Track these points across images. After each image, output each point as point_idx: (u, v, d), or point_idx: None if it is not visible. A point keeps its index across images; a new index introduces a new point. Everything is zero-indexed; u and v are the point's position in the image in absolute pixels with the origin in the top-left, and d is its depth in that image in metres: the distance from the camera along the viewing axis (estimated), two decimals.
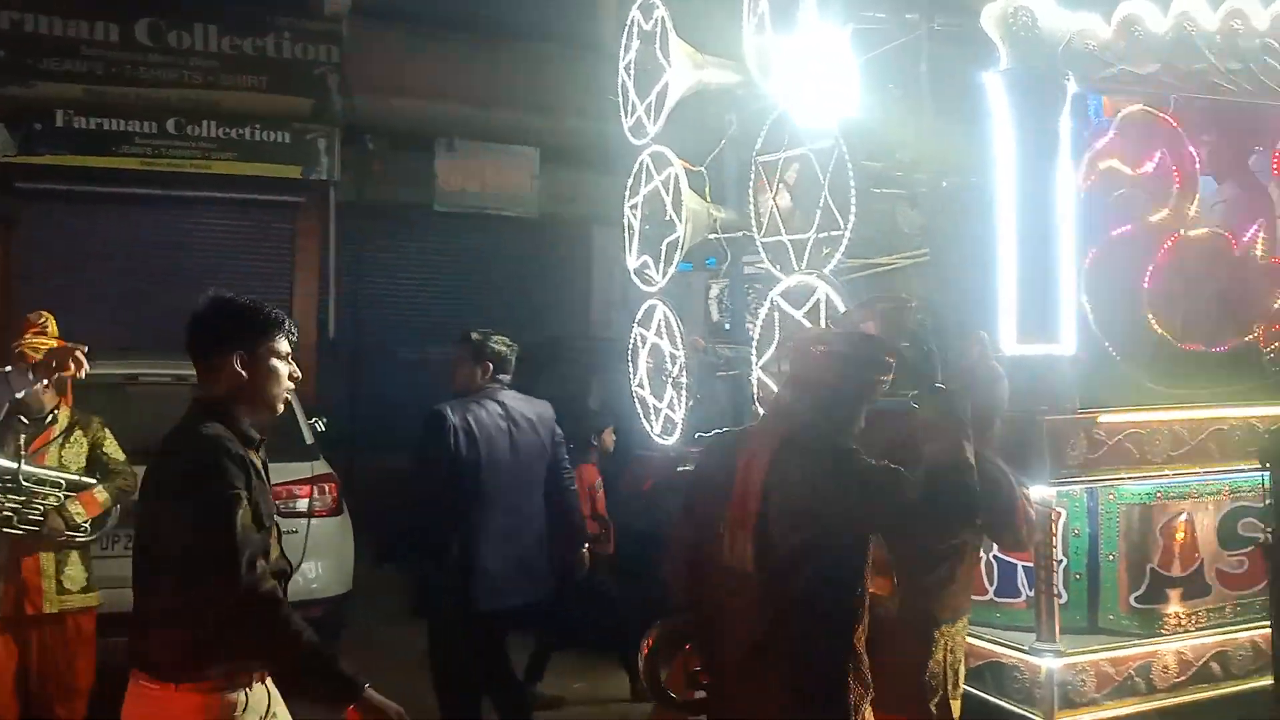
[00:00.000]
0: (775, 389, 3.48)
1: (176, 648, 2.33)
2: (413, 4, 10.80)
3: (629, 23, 4.94)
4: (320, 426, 6.38)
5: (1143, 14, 3.97)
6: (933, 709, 3.23)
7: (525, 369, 7.54)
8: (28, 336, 4.19)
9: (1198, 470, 3.97)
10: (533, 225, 11.17)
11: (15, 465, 3.97)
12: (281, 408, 2.56)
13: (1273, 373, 4.01)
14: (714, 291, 5.35)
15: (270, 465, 2.64)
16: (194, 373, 2.55)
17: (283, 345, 2.53)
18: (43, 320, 4.35)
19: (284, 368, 2.53)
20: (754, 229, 4.08)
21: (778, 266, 3.99)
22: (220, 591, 2.26)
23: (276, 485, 3.76)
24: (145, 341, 8.86)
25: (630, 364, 4.94)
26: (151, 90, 9.45)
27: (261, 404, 2.50)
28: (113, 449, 4.39)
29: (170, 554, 2.33)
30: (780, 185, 3.94)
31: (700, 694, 2.64)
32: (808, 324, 3.74)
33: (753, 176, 4.07)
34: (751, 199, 4.08)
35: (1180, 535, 4.11)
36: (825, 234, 3.74)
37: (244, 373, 2.45)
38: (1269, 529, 3.64)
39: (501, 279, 11.11)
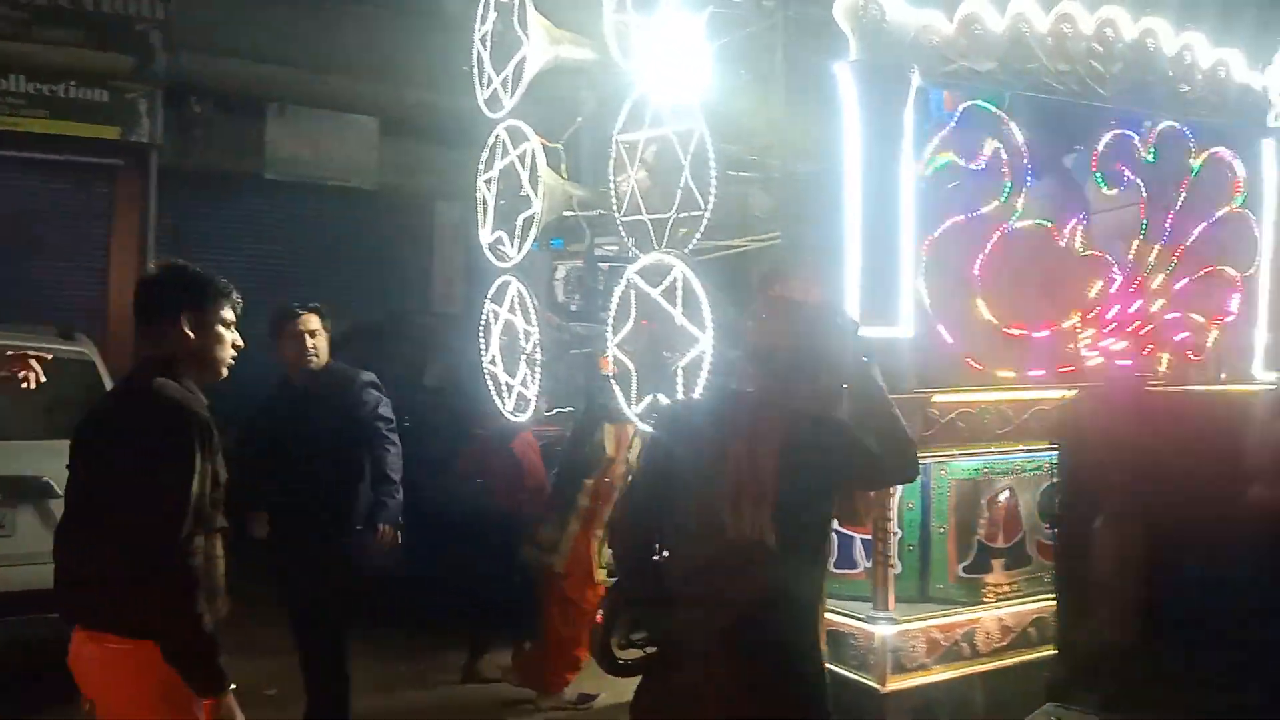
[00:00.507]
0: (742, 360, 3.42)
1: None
2: None
3: None
4: None
5: (982, 13, 4.18)
6: None
7: (362, 344, 7.38)
8: None
9: (1021, 448, 4.24)
10: (371, 197, 10.85)
11: None
12: (225, 372, 2.67)
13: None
14: (560, 272, 5.35)
15: None
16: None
17: (228, 313, 2.66)
18: None
19: (229, 334, 2.66)
20: (613, 207, 4.09)
21: (634, 244, 4.02)
22: (151, 555, 2.32)
23: None
24: None
25: (482, 340, 4.88)
26: None
27: (206, 366, 2.62)
28: None
29: (116, 507, 2.36)
30: (640, 164, 3.97)
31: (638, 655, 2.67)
32: (666, 303, 3.79)
33: (612, 155, 4.08)
34: (611, 177, 4.09)
35: (1004, 509, 4.39)
36: (685, 214, 3.79)
37: (191, 334, 2.57)
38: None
39: (337, 252, 10.74)
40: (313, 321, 4.17)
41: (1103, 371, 4.43)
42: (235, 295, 2.70)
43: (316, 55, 10.31)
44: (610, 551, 3.02)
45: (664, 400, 3.73)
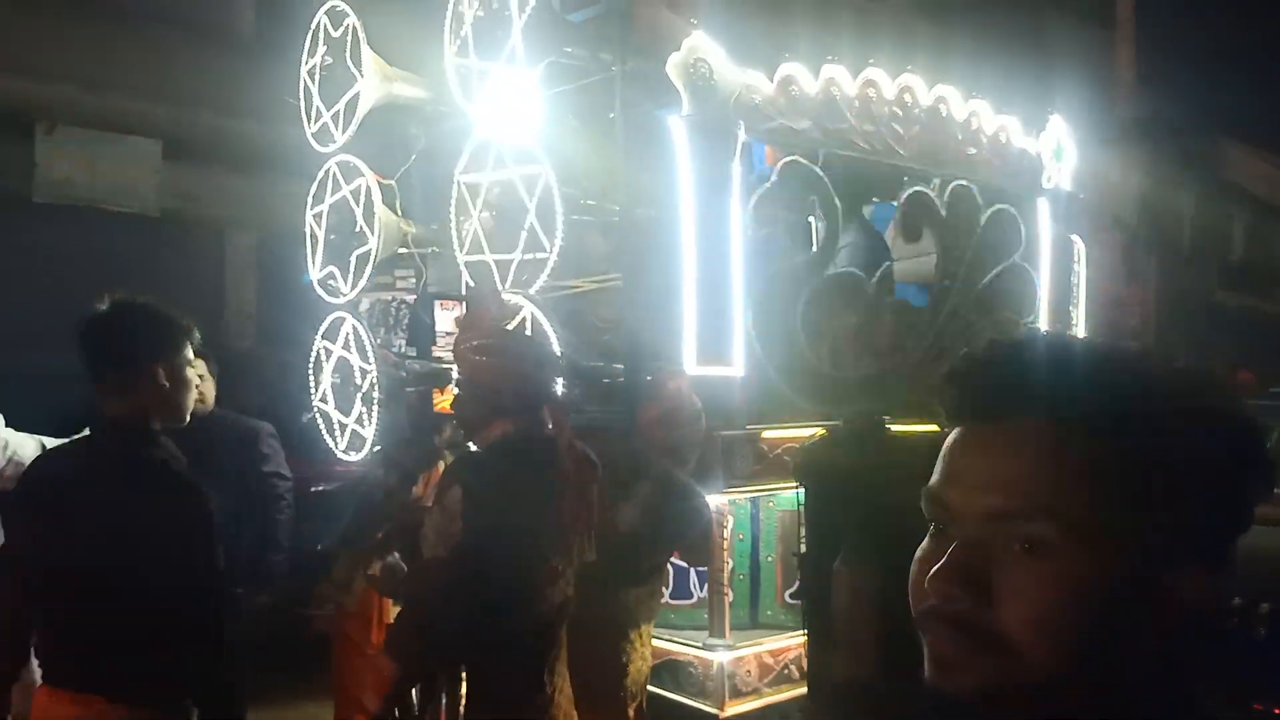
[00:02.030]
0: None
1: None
2: None
3: (314, 26, 4.76)
4: None
5: (798, 76, 4.51)
6: (631, 714, 3.47)
7: None
8: None
9: None
10: (153, 224, 10.23)
11: None
12: (187, 418, 2.48)
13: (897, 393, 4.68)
14: (364, 305, 5.23)
15: None
16: None
17: (190, 352, 2.48)
18: None
19: (194, 376, 2.48)
20: (455, 247, 4.12)
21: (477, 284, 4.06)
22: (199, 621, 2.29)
23: None
24: None
25: (312, 378, 4.75)
26: None
27: (173, 415, 2.42)
28: None
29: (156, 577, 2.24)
30: (484, 205, 4.02)
31: None
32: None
33: (454, 195, 4.11)
34: (453, 217, 4.11)
35: None
36: (529, 256, 3.87)
37: (166, 384, 2.37)
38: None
39: (118, 281, 10.01)
40: (200, 365, 3.88)
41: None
42: (195, 330, 2.52)
43: (91, 71, 9.67)
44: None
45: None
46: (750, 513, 4.53)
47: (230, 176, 10.59)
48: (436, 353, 4.39)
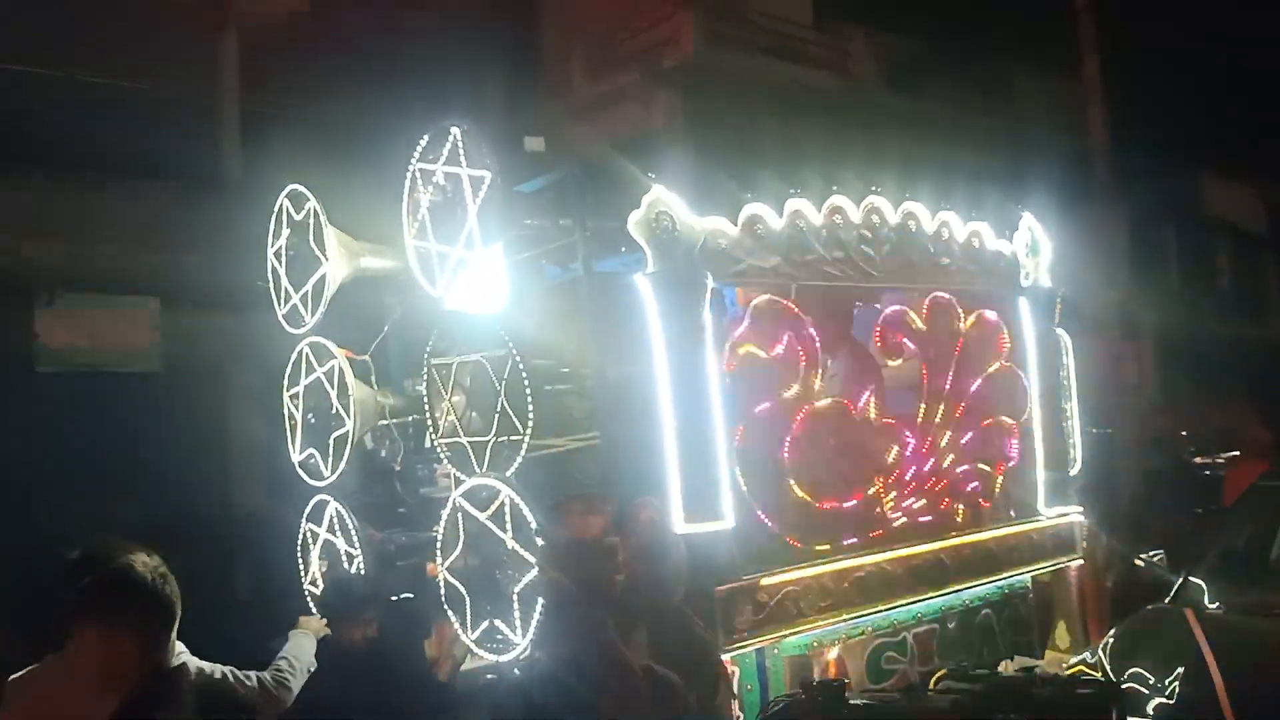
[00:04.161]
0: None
1: None
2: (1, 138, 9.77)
3: (277, 209, 4.82)
4: None
5: (763, 214, 4.49)
6: None
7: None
8: None
9: (845, 616, 4.44)
10: (156, 378, 10.32)
11: None
12: None
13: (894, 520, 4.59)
14: None
15: None
16: None
17: None
18: None
19: None
20: (430, 432, 4.09)
21: (457, 468, 4.03)
22: None
23: None
24: None
25: (300, 561, 4.71)
26: None
27: None
28: None
29: None
30: (455, 387, 4.00)
31: None
32: (495, 527, 3.80)
33: (425, 377, 4.09)
34: (426, 402, 4.10)
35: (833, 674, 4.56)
36: (504, 437, 3.83)
37: None
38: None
39: (122, 440, 10.12)
40: None
41: None
42: None
43: (83, 231, 9.83)
44: None
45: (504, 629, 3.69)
46: (757, 663, 4.42)
47: (229, 317, 10.67)
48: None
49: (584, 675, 2.72)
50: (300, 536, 4.70)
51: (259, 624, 5.06)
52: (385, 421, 4.72)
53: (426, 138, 4.07)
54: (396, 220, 4.53)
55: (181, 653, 2.67)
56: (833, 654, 4.54)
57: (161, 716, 2.49)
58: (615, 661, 2.72)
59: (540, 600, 3.17)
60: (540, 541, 3.17)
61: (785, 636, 4.32)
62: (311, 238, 4.58)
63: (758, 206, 4.48)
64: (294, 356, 4.72)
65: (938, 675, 3.99)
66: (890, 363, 4.91)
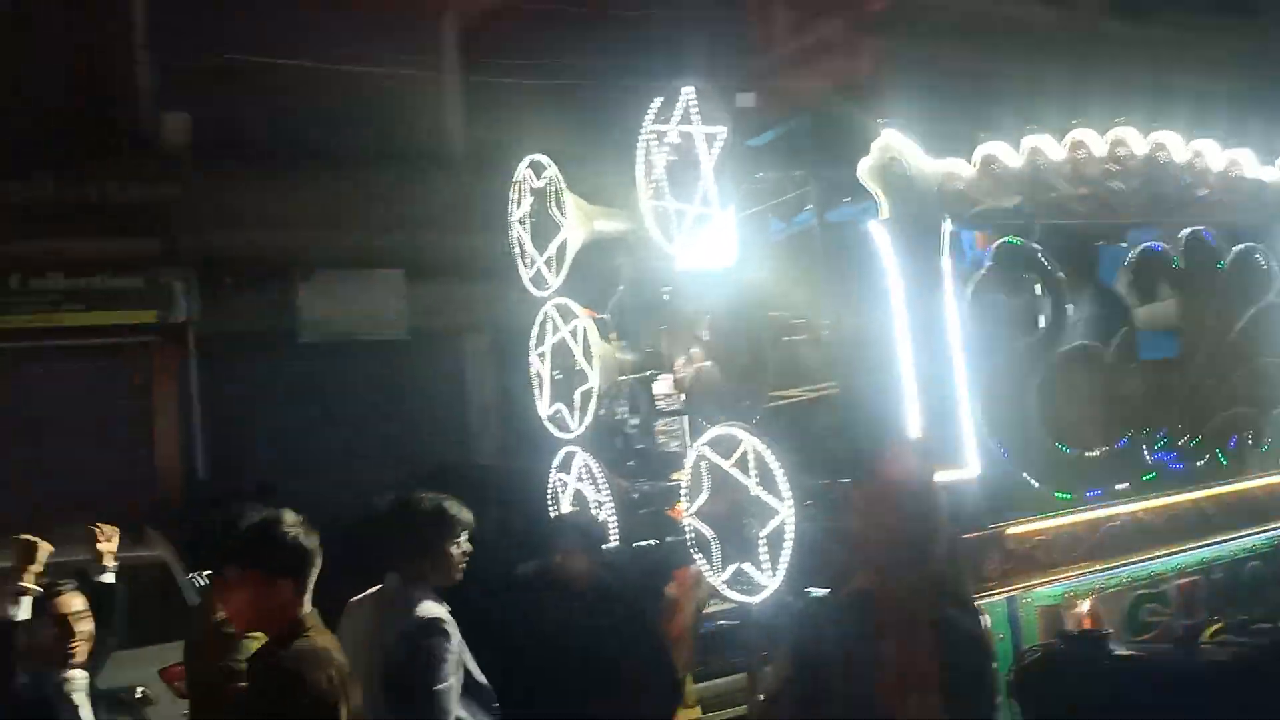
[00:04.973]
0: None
1: None
2: (255, 133, 10.69)
3: (518, 179, 5.07)
4: (201, 581, 6.14)
5: (999, 152, 4.35)
6: None
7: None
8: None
9: (1098, 567, 4.29)
10: (402, 345, 11.10)
11: None
12: None
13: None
14: None
15: None
16: None
17: None
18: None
19: None
20: (673, 385, 4.24)
21: (700, 418, 4.16)
22: None
23: None
24: None
25: (551, 509, 4.99)
26: None
27: None
28: None
29: None
30: (695, 340, 4.12)
31: None
32: (739, 474, 3.90)
33: (665, 331, 4.24)
34: (666, 354, 4.24)
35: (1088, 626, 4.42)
36: (745, 386, 3.92)
37: None
38: None
39: (372, 401, 10.97)
40: None
41: None
42: None
43: (335, 215, 10.64)
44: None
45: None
46: (1007, 612, 4.34)
47: (463, 286, 11.33)
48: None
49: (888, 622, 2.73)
50: (550, 486, 4.98)
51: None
52: (624, 377, 4.91)
53: (660, 99, 4.18)
54: (621, 183, 4.70)
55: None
56: (1088, 605, 4.40)
57: None
58: (910, 610, 2.73)
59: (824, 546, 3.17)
60: (848, 489, 3.15)
61: (1035, 586, 4.22)
62: (551, 203, 4.79)
63: (994, 145, 4.34)
64: (539, 317, 4.98)
65: (1213, 629, 3.81)
66: (1142, 303, 4.67)
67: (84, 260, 9.35)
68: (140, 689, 5.21)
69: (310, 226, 10.44)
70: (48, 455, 9.46)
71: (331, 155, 10.76)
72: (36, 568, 3.47)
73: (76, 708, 3.36)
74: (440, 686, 3.15)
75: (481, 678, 3.44)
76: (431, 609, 3.33)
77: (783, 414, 4.40)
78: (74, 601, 3.46)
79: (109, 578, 3.86)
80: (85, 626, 3.47)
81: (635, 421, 5.19)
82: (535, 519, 6.09)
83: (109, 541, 3.89)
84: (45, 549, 3.47)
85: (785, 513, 3.77)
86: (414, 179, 11.01)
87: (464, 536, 3.51)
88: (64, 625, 3.42)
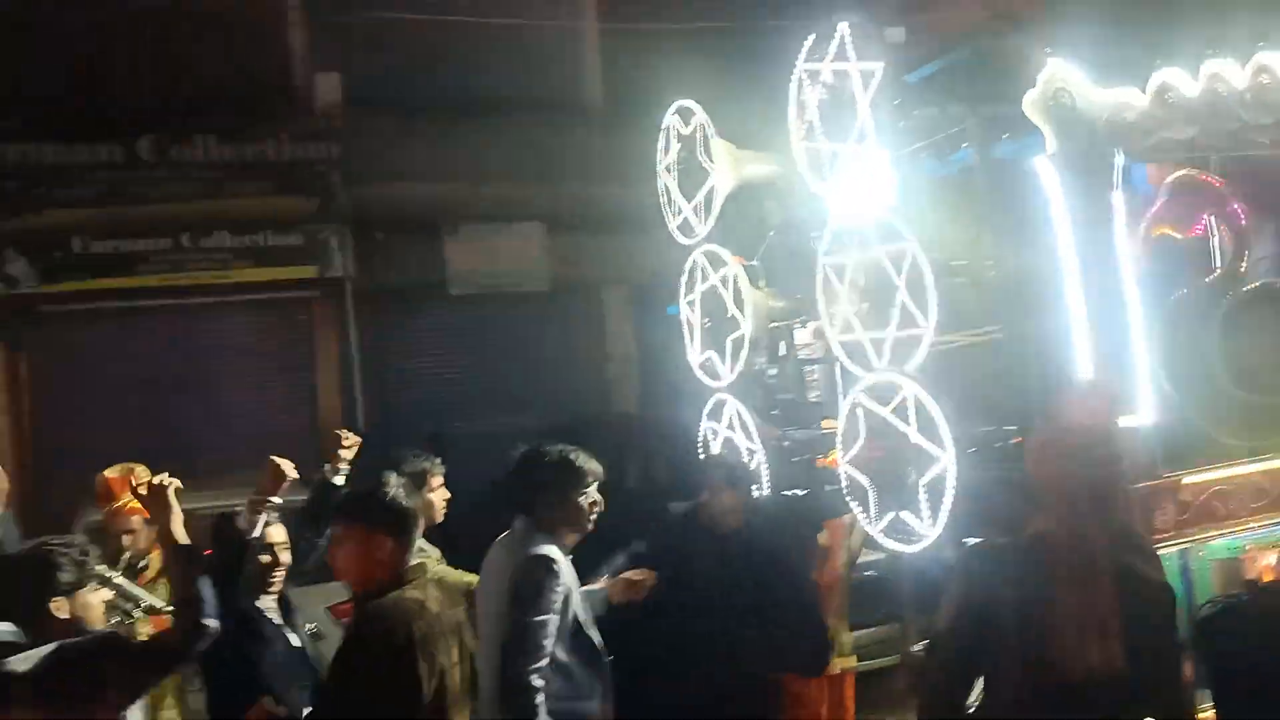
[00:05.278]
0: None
1: None
2: (400, 89, 10.93)
3: (664, 126, 5.05)
4: None
5: (1174, 81, 4.08)
6: None
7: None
8: None
9: None
10: (543, 297, 11.28)
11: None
12: None
13: None
14: None
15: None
16: None
17: None
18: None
19: None
20: (827, 329, 4.18)
21: (853, 363, 4.10)
22: None
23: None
24: (170, 448, 8.96)
25: (702, 457, 5.02)
26: (161, 206, 9.55)
27: None
28: None
29: None
30: (850, 285, 4.05)
31: None
32: (898, 422, 3.84)
33: (819, 277, 4.17)
34: (820, 299, 4.18)
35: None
36: (903, 332, 3.84)
37: None
38: None
39: (516, 352, 11.22)
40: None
41: None
42: None
43: (479, 167, 10.84)
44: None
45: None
46: (1179, 565, 4.16)
47: (601, 237, 11.42)
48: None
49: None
50: (701, 435, 5.00)
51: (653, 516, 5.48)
52: (775, 324, 4.87)
53: (813, 36, 4.08)
54: (777, 126, 4.62)
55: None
56: (1270, 559, 4.18)
57: None
58: (1090, 557, 2.64)
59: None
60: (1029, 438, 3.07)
61: (1212, 538, 4.04)
62: (700, 149, 4.76)
63: (1169, 72, 4.07)
64: (688, 265, 4.97)
65: None
66: None
67: (249, 219, 9.80)
68: (312, 625, 5.51)
69: (457, 180, 10.67)
70: (218, 406, 10.04)
71: (477, 108, 10.94)
72: (283, 489, 3.64)
73: (285, 634, 3.56)
74: (537, 618, 3.20)
75: (594, 633, 3.48)
76: (544, 548, 3.38)
77: (940, 359, 4.29)
78: (280, 533, 3.67)
79: (339, 479, 4.05)
80: (286, 558, 3.67)
81: (774, 372, 5.16)
82: (679, 468, 6.17)
83: (350, 448, 4.09)
84: (291, 474, 3.62)
85: (947, 460, 3.69)
86: (556, 130, 11.11)
87: (592, 486, 3.54)
88: (273, 554, 3.61)
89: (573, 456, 3.52)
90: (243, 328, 10.52)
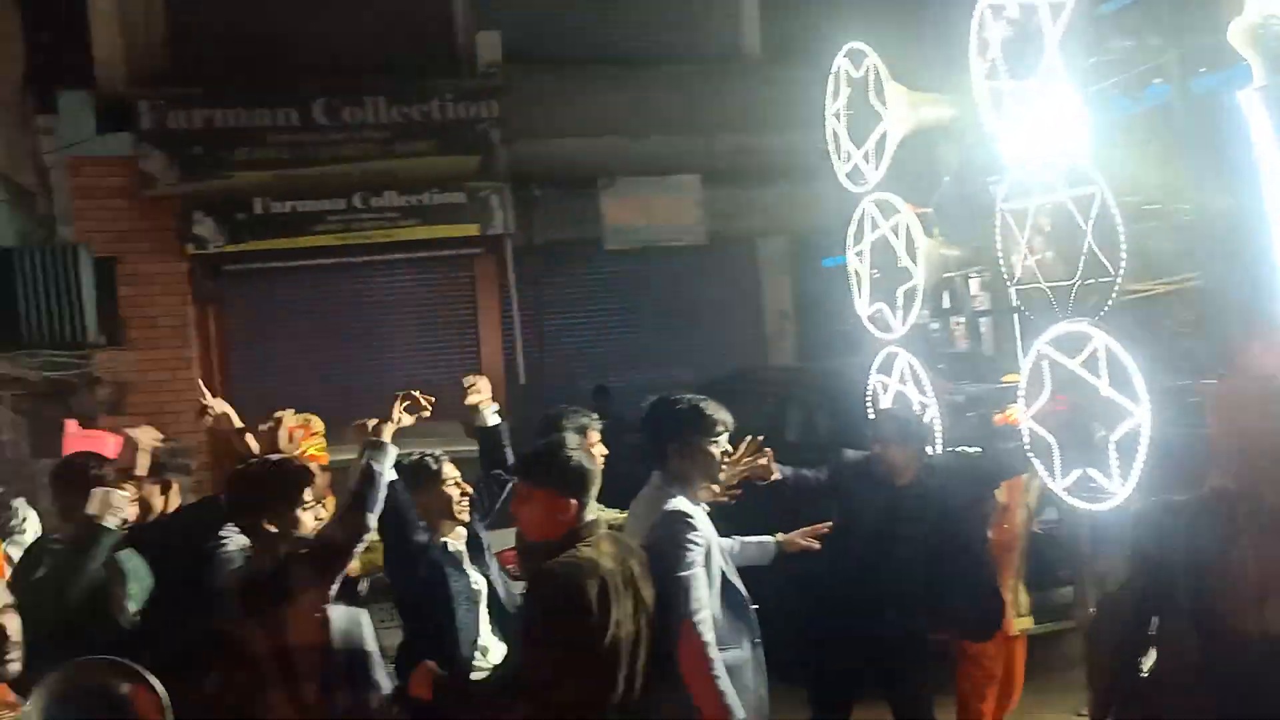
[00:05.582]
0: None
1: None
2: (556, 43, 11.00)
3: (834, 70, 4.91)
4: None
5: None
6: None
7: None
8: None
9: None
10: (698, 250, 11.21)
11: None
12: None
13: None
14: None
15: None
16: None
17: None
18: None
19: None
20: (1005, 278, 4.02)
21: (1031, 314, 3.93)
22: None
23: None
24: (342, 400, 9.40)
25: (870, 412, 4.92)
26: (334, 167, 9.91)
27: None
28: None
29: None
30: (1033, 231, 3.86)
31: None
32: (1087, 375, 3.66)
33: (998, 225, 4.00)
34: (999, 247, 4.01)
35: None
36: (1090, 280, 3.65)
37: None
38: None
39: (672, 307, 11.25)
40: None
41: None
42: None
43: (635, 121, 10.83)
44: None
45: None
46: None
47: (757, 189, 11.28)
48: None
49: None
50: (870, 389, 4.90)
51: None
52: (949, 274, 4.71)
53: None
54: (948, 64, 4.44)
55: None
56: None
57: None
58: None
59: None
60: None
61: None
62: (871, 93, 4.62)
63: None
64: (857, 214, 4.85)
65: None
66: None
67: (415, 178, 10.07)
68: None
69: (613, 134, 10.69)
70: (386, 360, 10.45)
71: (634, 61, 10.91)
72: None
73: (466, 573, 3.68)
74: (684, 573, 3.17)
75: (738, 582, 3.45)
76: (679, 503, 3.35)
77: (1130, 309, 4.07)
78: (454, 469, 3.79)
79: (493, 420, 4.10)
80: (467, 489, 3.79)
81: (936, 326, 5.00)
82: (840, 421, 6.07)
83: (478, 391, 4.08)
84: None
85: (1141, 415, 3.50)
86: (713, 80, 10.98)
87: (723, 436, 3.46)
88: (456, 484, 3.74)
89: (702, 405, 3.46)
90: (409, 284, 10.86)
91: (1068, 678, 5.36)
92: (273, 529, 3.11)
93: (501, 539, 5.53)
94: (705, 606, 3.18)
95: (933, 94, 4.64)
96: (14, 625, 2.13)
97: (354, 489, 3.18)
